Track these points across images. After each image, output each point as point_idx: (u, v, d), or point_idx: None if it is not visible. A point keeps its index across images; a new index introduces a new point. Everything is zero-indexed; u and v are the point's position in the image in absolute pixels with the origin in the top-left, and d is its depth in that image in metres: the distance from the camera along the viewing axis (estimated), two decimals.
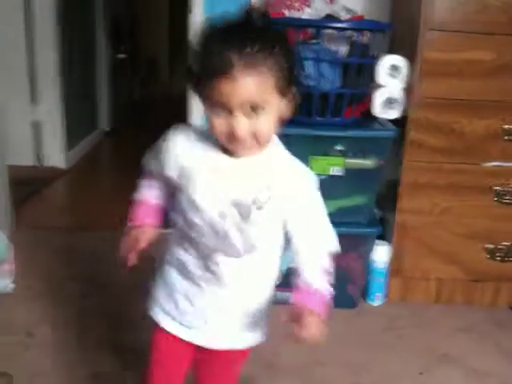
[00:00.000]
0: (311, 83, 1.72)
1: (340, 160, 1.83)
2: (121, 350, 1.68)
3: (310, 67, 1.71)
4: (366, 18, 2.04)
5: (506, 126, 1.83)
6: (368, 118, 1.89)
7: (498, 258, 1.95)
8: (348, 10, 2.04)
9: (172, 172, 1.00)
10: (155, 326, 1.10)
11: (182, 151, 0.99)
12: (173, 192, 1.02)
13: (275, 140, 1.00)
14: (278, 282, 2.00)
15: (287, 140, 1.79)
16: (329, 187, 1.85)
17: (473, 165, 1.87)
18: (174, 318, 1.07)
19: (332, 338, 1.75)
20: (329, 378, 1.62)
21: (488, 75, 1.80)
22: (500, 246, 1.94)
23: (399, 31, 1.99)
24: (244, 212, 0.96)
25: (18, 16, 3.11)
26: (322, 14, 1.99)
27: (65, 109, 3.37)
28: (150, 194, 1.11)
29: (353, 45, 1.73)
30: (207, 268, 1.01)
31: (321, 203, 1.02)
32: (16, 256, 2.02)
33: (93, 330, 1.77)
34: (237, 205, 0.95)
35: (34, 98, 3.27)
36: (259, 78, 0.85)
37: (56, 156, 3.38)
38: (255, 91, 0.86)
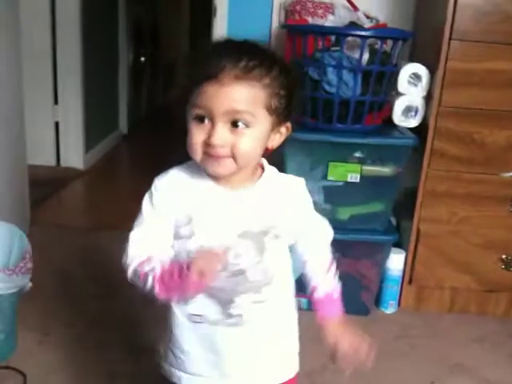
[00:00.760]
0: (332, 90, 1.74)
1: (357, 167, 1.84)
2: (136, 351, 1.69)
3: (331, 74, 1.72)
4: (389, 25, 2.06)
5: None
6: (388, 126, 1.90)
7: None
8: (371, 18, 2.05)
9: (169, 226, 0.93)
10: None
11: (172, 202, 0.92)
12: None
13: (266, 165, 0.97)
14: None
15: (308, 146, 1.84)
16: (346, 194, 1.90)
17: (492, 175, 1.87)
18: (208, 377, 1.00)
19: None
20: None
21: (509, 85, 1.80)
22: None
23: (421, 39, 2.00)
24: (258, 246, 0.92)
25: (43, 18, 3.18)
26: (345, 21, 2.00)
27: (85, 110, 3.42)
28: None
29: (374, 52, 1.74)
30: (227, 313, 0.95)
31: (310, 199, 1.03)
32: (32, 255, 2.04)
33: (109, 331, 1.79)
34: (249, 239, 0.91)
35: (55, 99, 3.33)
36: (249, 89, 0.83)
37: (74, 157, 3.42)
38: (241, 101, 0.82)
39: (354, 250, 1.97)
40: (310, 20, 2.01)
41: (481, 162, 1.86)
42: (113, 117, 4.27)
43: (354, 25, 1.95)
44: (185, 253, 0.92)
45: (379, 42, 1.70)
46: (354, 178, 1.85)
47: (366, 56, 1.75)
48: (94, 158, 3.63)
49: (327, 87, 1.74)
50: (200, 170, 0.91)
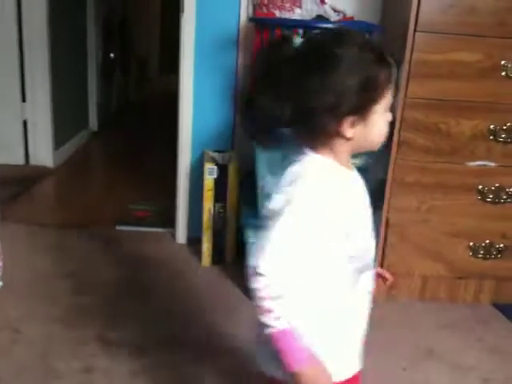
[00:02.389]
0: None
1: None
2: (111, 346, 1.69)
3: None
4: (357, 19, 2.08)
5: (492, 127, 1.87)
6: None
7: (481, 256, 1.99)
8: (338, 12, 2.07)
9: (336, 227, 0.90)
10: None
11: (335, 194, 0.90)
12: None
13: None
14: None
15: (280, 142, 1.85)
16: None
17: (458, 164, 1.91)
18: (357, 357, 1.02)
19: None
20: None
21: (475, 77, 1.84)
22: (483, 244, 1.98)
23: (389, 33, 2.03)
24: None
25: (9, 15, 3.12)
26: (313, 14, 2.02)
27: (54, 108, 3.37)
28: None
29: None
30: (368, 291, 1.00)
31: None
32: (3, 254, 2.02)
33: (82, 327, 1.78)
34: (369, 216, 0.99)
35: (23, 96, 3.27)
36: None
37: (44, 155, 3.37)
38: None
39: None
40: (277, 13, 2.02)
41: (448, 152, 1.90)
42: (82, 114, 4.22)
43: (320, 18, 1.97)
44: (342, 258, 0.93)
45: None
46: None
47: None
48: (63, 156, 3.58)
49: None
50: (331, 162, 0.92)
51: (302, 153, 0.93)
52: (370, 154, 1.85)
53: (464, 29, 1.81)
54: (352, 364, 1.00)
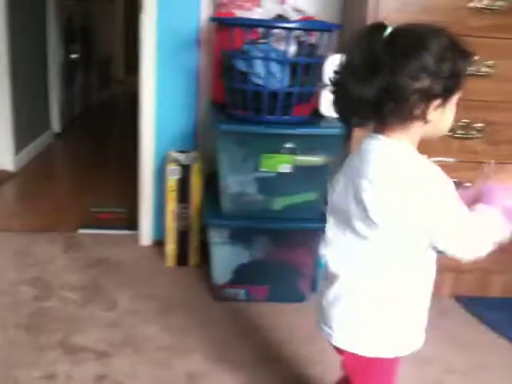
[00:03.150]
0: (260, 82, 1.76)
1: (289, 157, 1.87)
2: (73, 351, 1.67)
3: (258, 66, 1.74)
4: (318, 18, 2.10)
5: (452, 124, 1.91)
6: (317, 117, 1.94)
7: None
8: (298, 11, 2.09)
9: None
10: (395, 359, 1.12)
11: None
12: None
13: None
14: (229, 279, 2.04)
15: (239, 138, 1.85)
16: (279, 184, 1.93)
17: None
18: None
19: (281, 334, 1.82)
20: (279, 373, 1.66)
21: None
22: None
23: (350, 31, 2.05)
24: None
25: None
26: (273, 14, 2.03)
27: (14, 111, 3.30)
28: None
29: (301, 45, 1.78)
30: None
31: None
32: None
33: (44, 333, 1.75)
34: None
35: None
36: None
37: (4, 158, 3.30)
38: None
39: (289, 239, 2.01)
40: (237, 13, 2.02)
41: None
42: (44, 116, 4.15)
43: (281, 17, 1.98)
44: None
45: (304, 34, 1.73)
46: (286, 168, 1.89)
47: (293, 48, 1.78)
48: (25, 159, 3.51)
49: (255, 79, 1.76)
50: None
51: (372, 138, 1.02)
52: (329, 152, 1.88)
53: None
54: (421, 338, 1.14)
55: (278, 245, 2.01)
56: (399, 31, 0.97)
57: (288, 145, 1.88)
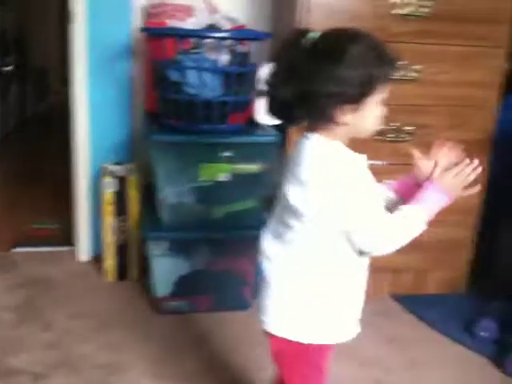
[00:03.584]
0: (194, 92, 1.75)
1: (227, 166, 1.87)
2: (9, 374, 1.61)
3: (191, 76, 1.74)
4: (250, 27, 2.11)
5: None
6: (253, 125, 1.95)
7: None
8: (231, 20, 2.10)
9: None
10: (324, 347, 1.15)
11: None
12: None
13: None
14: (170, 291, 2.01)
15: (175, 148, 1.84)
16: (218, 193, 1.93)
17: None
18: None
19: (227, 342, 1.80)
20: (226, 382, 1.65)
21: None
22: None
23: (280, 40, 2.07)
24: None
25: None
26: (205, 23, 2.03)
27: None
28: None
29: (233, 54, 1.78)
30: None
31: None
32: None
33: None
34: None
35: None
36: None
37: None
38: None
39: (231, 248, 2.00)
40: (169, 23, 2.01)
41: None
42: None
43: (213, 27, 1.98)
44: None
45: (234, 43, 1.74)
46: (224, 177, 1.89)
47: (225, 57, 1.79)
48: None
49: (189, 89, 1.75)
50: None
51: (305, 137, 1.06)
52: (266, 159, 1.90)
53: None
54: (353, 330, 1.17)
55: (219, 254, 2.00)
56: (321, 37, 1.02)
57: (225, 153, 1.88)
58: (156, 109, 1.95)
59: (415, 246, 2.06)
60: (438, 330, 1.98)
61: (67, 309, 1.97)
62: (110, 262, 2.17)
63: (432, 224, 2.06)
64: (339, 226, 1.04)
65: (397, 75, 1.91)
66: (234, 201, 1.96)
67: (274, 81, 1.04)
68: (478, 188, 1.12)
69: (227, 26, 2.05)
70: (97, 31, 2.14)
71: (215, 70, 1.74)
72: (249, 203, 1.98)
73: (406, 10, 1.88)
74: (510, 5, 1.94)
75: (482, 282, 2.20)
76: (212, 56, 1.77)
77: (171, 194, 1.91)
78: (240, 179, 1.90)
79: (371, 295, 2.10)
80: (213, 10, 2.10)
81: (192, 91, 1.75)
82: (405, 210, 1.07)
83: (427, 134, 2.02)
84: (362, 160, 1.07)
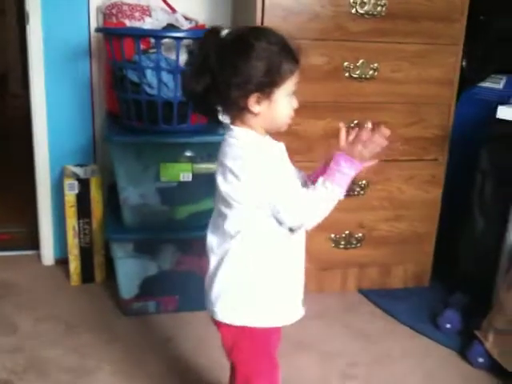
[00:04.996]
0: (153, 92, 1.75)
1: (189, 166, 1.87)
2: None
3: (150, 76, 1.73)
4: (209, 27, 2.11)
5: (341, 125, 1.98)
6: (215, 124, 1.94)
7: (342, 247, 2.11)
8: (190, 20, 2.09)
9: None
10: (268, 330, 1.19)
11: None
12: None
13: None
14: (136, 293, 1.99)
15: (136, 149, 1.83)
16: (181, 193, 1.92)
17: (313, 162, 2.00)
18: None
19: (194, 342, 1.81)
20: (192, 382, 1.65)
21: (322, 78, 1.95)
22: (343, 235, 2.10)
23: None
24: None
25: None
26: (163, 23, 2.03)
27: None
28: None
29: (191, 53, 1.78)
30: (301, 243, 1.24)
31: None
32: None
33: None
34: None
35: None
36: None
37: None
38: None
39: (195, 248, 1.99)
40: (127, 23, 2.00)
41: (303, 151, 1.99)
42: None
43: (171, 27, 1.97)
44: None
45: (192, 43, 1.74)
46: (186, 177, 1.88)
47: (183, 57, 1.78)
48: None
49: (148, 89, 1.74)
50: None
51: (228, 129, 1.16)
52: None
53: (308, 34, 1.90)
54: (295, 312, 1.23)
55: (184, 254, 1.99)
56: (229, 34, 1.11)
57: (187, 153, 1.88)
58: (117, 110, 1.93)
59: (380, 240, 2.15)
60: (404, 322, 2.02)
61: (33, 313, 1.94)
62: (74, 264, 2.15)
63: (395, 219, 2.14)
64: (266, 207, 1.10)
65: (356, 74, 1.96)
66: (197, 200, 1.96)
67: (189, 77, 1.13)
68: (375, 161, 1.19)
69: (186, 25, 2.05)
70: (53, 32, 2.12)
71: (173, 69, 1.74)
72: (212, 203, 1.98)
73: (363, 10, 1.91)
74: (464, 2, 1.99)
75: (446, 275, 2.24)
76: (170, 56, 1.77)
77: (133, 194, 1.90)
78: (202, 179, 1.90)
79: (338, 290, 2.17)
80: (172, 10, 2.10)
81: (152, 91, 1.74)
82: (320, 183, 1.14)
83: None
84: (279, 146, 1.16)
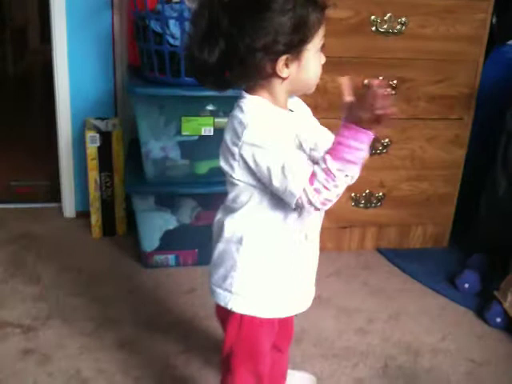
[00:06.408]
0: (176, 43, 1.72)
1: (210, 120, 1.85)
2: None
3: (173, 27, 1.71)
4: None
5: (366, 81, 1.95)
6: None
7: (362, 206, 2.11)
8: None
9: None
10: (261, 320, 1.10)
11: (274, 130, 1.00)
12: None
13: None
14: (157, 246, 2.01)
15: (159, 101, 1.82)
16: (202, 148, 1.92)
17: (334, 119, 1.97)
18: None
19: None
20: (216, 330, 1.68)
21: (347, 33, 1.90)
22: (363, 194, 2.09)
23: None
24: None
25: None
26: None
27: None
28: None
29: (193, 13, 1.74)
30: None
31: None
32: None
33: None
34: None
35: None
36: None
37: None
38: None
39: (215, 202, 2.00)
40: None
41: (325, 108, 1.95)
42: None
43: None
44: None
45: None
46: (207, 131, 1.87)
47: None
48: None
49: (171, 40, 1.72)
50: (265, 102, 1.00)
51: (241, 97, 1.00)
52: None
53: None
54: (289, 309, 1.15)
55: (204, 208, 2.00)
56: None
57: (209, 107, 1.86)
58: (139, 62, 1.92)
59: (400, 200, 2.14)
60: (422, 281, 2.03)
61: (55, 264, 1.98)
62: (96, 217, 2.17)
63: (417, 178, 2.12)
64: (270, 185, 0.98)
65: (383, 29, 1.91)
66: (217, 156, 1.94)
67: (194, 44, 0.95)
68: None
69: None
70: None
71: None
72: None
73: None
74: None
75: (465, 237, 2.23)
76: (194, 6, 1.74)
77: (155, 148, 1.90)
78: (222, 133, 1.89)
79: (356, 248, 2.17)
80: None
81: (174, 42, 1.72)
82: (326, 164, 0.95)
83: (410, 88, 2.02)
84: (291, 117, 1.03)
